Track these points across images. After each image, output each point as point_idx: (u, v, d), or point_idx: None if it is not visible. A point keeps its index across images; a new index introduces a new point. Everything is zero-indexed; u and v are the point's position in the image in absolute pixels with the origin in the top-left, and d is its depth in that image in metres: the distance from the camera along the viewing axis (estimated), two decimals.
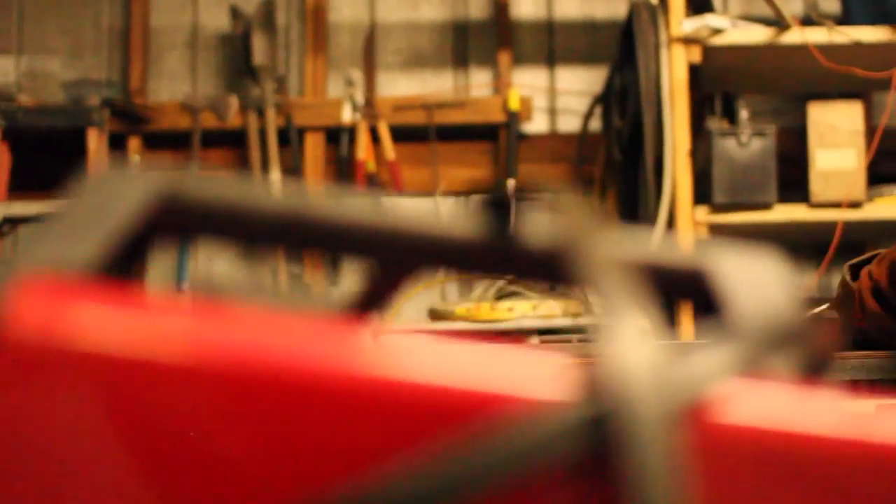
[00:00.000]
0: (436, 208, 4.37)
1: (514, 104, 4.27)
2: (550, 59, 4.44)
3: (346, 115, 4.31)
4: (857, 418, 0.44)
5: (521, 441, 0.38)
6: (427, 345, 0.45)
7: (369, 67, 4.39)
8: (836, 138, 3.46)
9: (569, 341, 2.86)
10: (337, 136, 4.32)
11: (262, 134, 4.28)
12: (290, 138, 4.29)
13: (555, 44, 4.44)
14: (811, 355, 0.53)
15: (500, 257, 0.54)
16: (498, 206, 0.55)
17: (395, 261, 0.57)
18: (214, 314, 0.48)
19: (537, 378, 0.42)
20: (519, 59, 4.45)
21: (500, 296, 3.17)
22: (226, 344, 0.46)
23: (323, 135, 4.36)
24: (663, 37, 3.54)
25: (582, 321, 3.02)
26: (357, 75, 4.33)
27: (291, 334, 0.47)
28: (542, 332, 2.98)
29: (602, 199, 4.05)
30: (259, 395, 0.45)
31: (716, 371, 0.42)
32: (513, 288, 3.17)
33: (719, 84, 3.78)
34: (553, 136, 4.41)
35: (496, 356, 0.43)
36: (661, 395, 0.39)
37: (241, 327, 0.48)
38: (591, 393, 0.40)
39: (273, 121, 4.27)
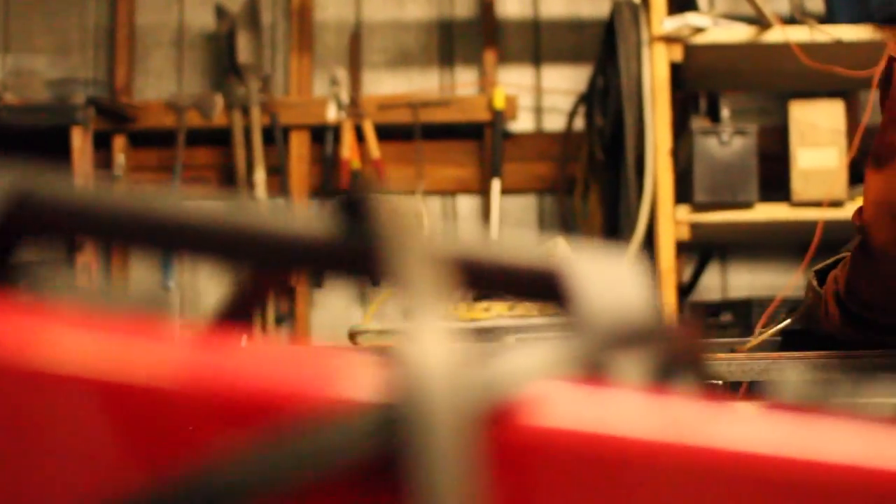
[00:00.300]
0: (420, 207, 4.36)
1: (499, 103, 4.26)
2: (536, 57, 4.43)
3: (331, 114, 4.30)
4: (681, 421, 0.43)
5: (310, 441, 0.37)
6: (245, 347, 0.44)
7: (354, 66, 4.39)
8: (818, 137, 3.45)
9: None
10: (322, 135, 4.31)
11: (248, 133, 4.27)
12: (276, 137, 4.28)
13: (541, 42, 4.43)
14: (666, 358, 0.52)
15: (350, 258, 0.54)
16: (351, 206, 0.54)
17: (249, 264, 0.56)
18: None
19: (339, 378, 0.41)
20: (505, 58, 4.45)
21: (479, 296, 3.16)
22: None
23: (308, 133, 4.35)
24: (645, 35, 3.53)
25: (553, 320, 3.00)
26: (342, 74, 4.32)
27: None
28: (519, 331, 2.96)
29: (585, 198, 4.04)
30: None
31: (527, 372, 0.41)
32: None
33: (703, 83, 3.77)
34: (539, 135, 4.40)
35: (304, 356, 0.42)
36: (457, 396, 0.38)
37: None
38: (386, 394, 0.39)
39: (258, 119, 4.26)
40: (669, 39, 3.44)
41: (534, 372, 0.42)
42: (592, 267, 0.53)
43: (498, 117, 4.26)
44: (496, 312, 2.98)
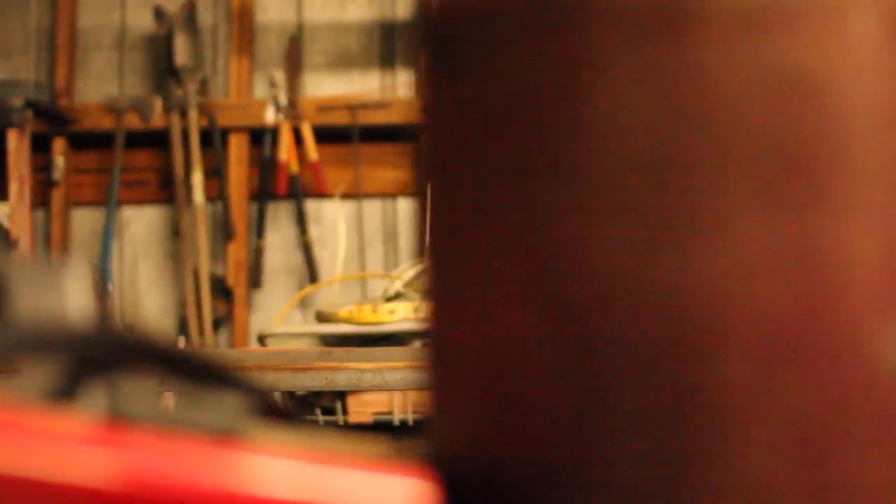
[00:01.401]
0: (359, 210, 4.34)
1: None
2: None
3: (270, 116, 4.27)
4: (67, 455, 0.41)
5: None
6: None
7: (292, 68, 4.36)
8: None
9: None
10: (262, 138, 4.29)
11: (186, 135, 4.25)
12: (214, 139, 4.26)
13: None
14: (79, 365, 0.50)
15: None
16: None
17: None
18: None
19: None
20: None
21: (390, 298, 3.13)
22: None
23: (247, 136, 4.33)
24: None
25: None
26: (280, 76, 4.30)
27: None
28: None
29: None
30: None
31: None
32: (403, 290, 3.14)
33: None
34: None
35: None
36: None
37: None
38: None
39: (195, 121, 4.24)
40: None
41: None
42: (31, 276, 0.51)
43: None
44: (402, 315, 2.96)
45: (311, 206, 4.37)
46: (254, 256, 4.28)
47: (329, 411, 3.03)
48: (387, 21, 4.46)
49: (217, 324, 4.25)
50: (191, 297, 4.20)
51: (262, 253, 4.29)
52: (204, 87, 4.31)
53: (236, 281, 4.25)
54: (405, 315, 2.96)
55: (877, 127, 0.56)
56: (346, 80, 4.43)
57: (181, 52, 4.27)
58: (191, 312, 4.18)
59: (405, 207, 4.37)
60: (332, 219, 4.37)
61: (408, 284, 3.33)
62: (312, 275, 4.19)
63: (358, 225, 4.35)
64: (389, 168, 4.36)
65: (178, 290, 4.30)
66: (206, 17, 4.45)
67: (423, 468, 0.61)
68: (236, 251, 4.29)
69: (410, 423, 2.93)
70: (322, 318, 3.10)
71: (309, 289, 3.65)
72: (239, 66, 4.38)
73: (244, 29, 4.40)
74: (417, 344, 2.95)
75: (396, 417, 2.95)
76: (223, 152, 4.27)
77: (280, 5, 4.46)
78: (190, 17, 4.32)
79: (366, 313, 2.96)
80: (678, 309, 0.55)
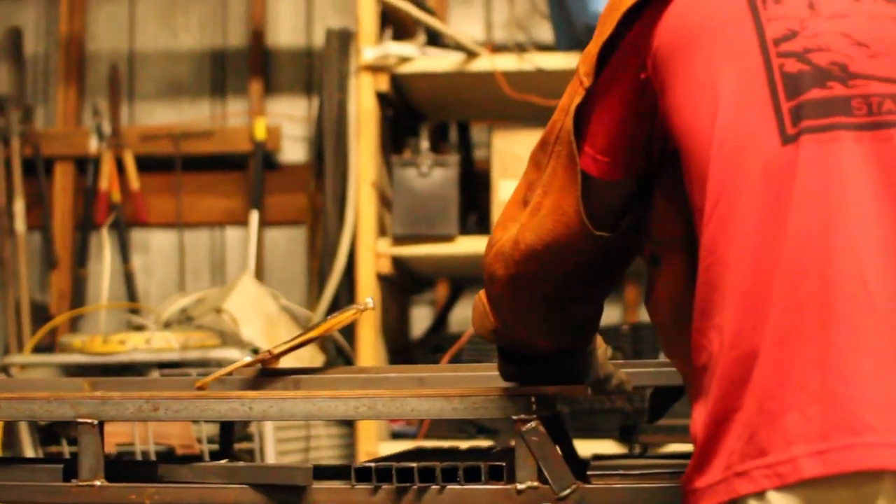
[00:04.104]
0: (180, 239, 4.30)
1: (259, 133, 4.20)
2: (308, 87, 4.36)
3: (93, 146, 4.25)
4: None
5: None
6: None
7: (115, 96, 4.33)
8: (519, 168, 3.37)
9: (188, 375, 2.78)
10: (87, 167, 4.27)
11: (8, 164, 4.22)
12: (37, 168, 4.23)
13: (313, 72, 4.36)
14: None
15: None
16: None
17: None
18: None
19: None
20: (277, 88, 4.39)
21: (138, 327, 3.10)
22: None
23: (72, 165, 4.31)
24: (353, 65, 3.47)
25: (212, 354, 2.94)
26: (104, 105, 4.28)
27: None
28: (165, 365, 2.90)
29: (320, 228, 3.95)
30: None
31: None
32: (140, 321, 3.10)
33: (416, 112, 3.72)
34: (310, 166, 4.33)
35: None
36: None
37: None
38: None
39: (17, 150, 4.21)
40: (376, 69, 3.38)
41: None
42: None
43: (258, 148, 4.20)
44: (132, 345, 2.92)
45: (137, 235, 4.34)
46: (76, 285, 4.25)
47: (73, 441, 2.99)
48: (217, 49, 4.43)
49: (40, 350, 4.21)
50: (12, 327, 4.16)
51: (85, 282, 4.25)
52: (28, 115, 4.28)
53: (59, 309, 4.21)
54: (135, 345, 2.93)
55: None
56: (176, 109, 4.41)
57: (3, 81, 4.25)
58: (12, 342, 4.14)
59: (233, 236, 4.34)
60: (158, 248, 4.34)
61: (184, 312, 3.29)
62: (133, 303, 4.15)
63: (180, 254, 4.31)
64: (217, 197, 4.33)
65: (0, 319, 4.26)
66: (37, 45, 4.44)
67: None
68: (60, 280, 4.25)
69: (152, 454, 2.88)
70: (62, 347, 3.07)
71: (60, 318, 3.60)
72: (66, 94, 4.36)
73: (71, 57, 4.37)
74: (154, 374, 2.91)
75: (139, 448, 2.91)
76: (46, 181, 4.25)
77: (111, 34, 4.44)
78: (14, 45, 4.30)
79: (97, 343, 2.92)
80: None
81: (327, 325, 1.91)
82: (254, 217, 4.15)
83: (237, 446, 2.93)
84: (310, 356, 3.26)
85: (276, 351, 1.92)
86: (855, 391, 1.18)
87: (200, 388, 1.91)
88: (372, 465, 1.60)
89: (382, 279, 3.38)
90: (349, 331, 3.46)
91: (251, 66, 4.36)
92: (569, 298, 1.54)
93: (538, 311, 1.54)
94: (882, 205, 1.22)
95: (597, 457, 1.97)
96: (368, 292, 3.32)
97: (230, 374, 1.94)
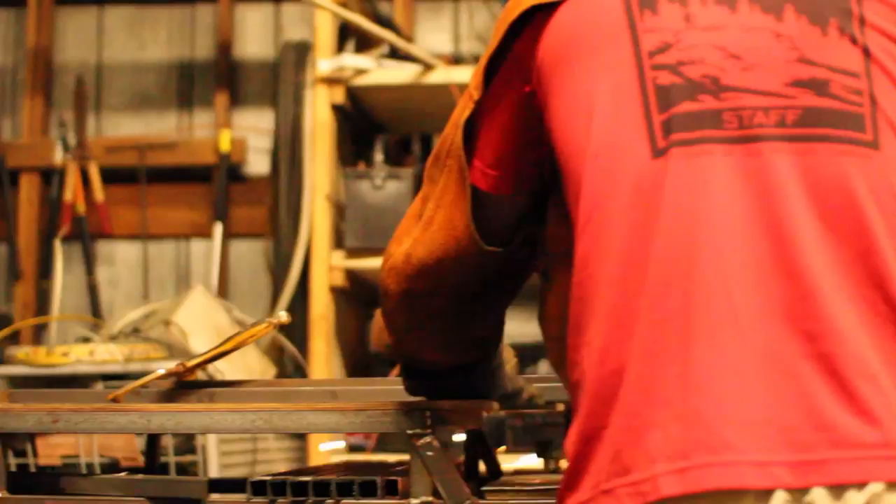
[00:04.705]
0: (145, 251, 4.30)
1: (224, 145, 4.20)
2: (275, 100, 4.35)
3: (58, 157, 4.25)
4: None
5: None
6: None
7: (81, 108, 4.32)
8: None
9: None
10: (52, 178, 4.27)
11: None
12: (2, 180, 4.23)
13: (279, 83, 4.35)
14: None
15: None
16: None
17: None
18: None
19: None
20: (244, 100, 4.38)
21: (85, 340, 3.10)
22: None
23: (38, 176, 4.30)
24: (309, 77, 3.47)
25: (155, 366, 2.92)
26: (70, 116, 4.28)
27: None
28: (108, 377, 2.89)
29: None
30: None
31: None
32: (88, 333, 3.10)
33: (386, 125, 3.72)
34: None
35: None
36: None
37: None
38: None
39: None
40: (332, 81, 3.38)
41: None
42: None
43: (224, 160, 4.19)
44: (76, 357, 2.91)
45: (104, 246, 4.33)
46: (41, 297, 4.24)
47: (20, 453, 2.98)
48: (185, 61, 4.43)
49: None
50: None
51: (50, 293, 4.24)
52: None
53: (24, 320, 4.20)
54: (78, 357, 2.92)
55: None
56: (143, 121, 4.40)
57: None
58: None
59: (198, 248, 4.33)
60: (123, 259, 4.33)
61: (135, 324, 3.29)
62: (97, 315, 4.14)
63: (145, 266, 4.30)
64: (182, 209, 4.32)
65: None
66: (5, 57, 4.44)
67: None
68: (24, 292, 4.25)
69: (97, 466, 2.88)
70: (6, 359, 3.06)
71: (5, 331, 3.59)
72: (32, 106, 4.36)
73: (38, 69, 4.37)
74: (99, 386, 2.90)
75: (83, 461, 2.90)
76: (11, 192, 4.24)
77: (79, 46, 4.44)
78: None
79: (41, 355, 2.92)
80: None
81: (240, 338, 1.90)
82: (218, 229, 4.15)
83: (182, 459, 2.92)
84: (261, 369, 3.25)
85: (190, 364, 1.91)
86: (716, 409, 1.16)
87: (114, 400, 1.90)
88: (268, 478, 1.59)
89: (337, 292, 3.37)
90: (304, 343, 3.45)
91: (218, 78, 4.35)
92: (464, 314, 1.52)
93: (432, 327, 1.53)
94: (751, 219, 1.21)
95: (518, 472, 1.97)
96: (322, 305, 3.32)
97: (145, 386, 1.93)
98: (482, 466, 1.90)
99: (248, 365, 3.20)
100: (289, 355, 3.65)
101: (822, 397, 1.16)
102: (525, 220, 1.46)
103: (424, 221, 1.48)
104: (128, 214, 4.30)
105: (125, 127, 4.39)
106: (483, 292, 1.50)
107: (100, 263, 4.31)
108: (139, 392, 1.94)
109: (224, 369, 3.04)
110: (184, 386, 1.98)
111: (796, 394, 1.16)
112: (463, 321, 1.53)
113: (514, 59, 1.37)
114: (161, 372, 1.93)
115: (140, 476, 1.75)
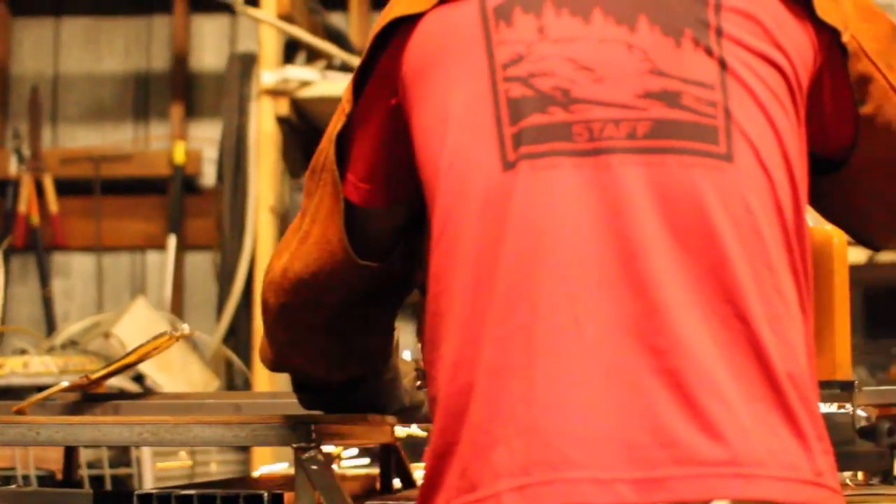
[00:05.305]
0: (99, 263, 4.29)
1: (179, 157, 4.20)
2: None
3: (13, 168, 4.24)
4: None
5: None
6: None
7: (35, 119, 4.32)
8: None
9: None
10: (7, 189, 4.26)
11: None
12: None
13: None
14: None
15: None
16: None
17: None
18: None
19: None
20: (199, 112, 4.38)
21: (23, 351, 3.09)
22: None
23: None
24: (255, 89, 3.47)
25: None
26: (24, 127, 4.28)
27: None
28: (43, 389, 2.87)
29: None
30: None
31: None
32: (23, 346, 3.09)
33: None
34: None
35: None
36: None
37: None
38: None
39: None
40: (276, 93, 3.38)
41: None
42: None
43: (178, 172, 4.19)
44: (9, 369, 2.91)
45: (59, 258, 4.33)
46: None
47: None
48: (142, 73, 4.43)
49: None
50: None
51: (4, 305, 4.23)
52: None
53: None
54: (12, 369, 2.92)
55: None
56: (99, 132, 4.40)
57: None
58: None
59: (154, 260, 4.32)
60: (79, 271, 4.33)
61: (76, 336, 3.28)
62: (51, 327, 4.14)
63: (100, 277, 4.30)
64: (137, 220, 4.31)
65: None
66: None
67: None
68: None
69: (33, 479, 2.87)
70: None
71: None
72: None
73: None
74: (33, 396, 2.89)
75: (20, 473, 2.89)
76: None
77: (35, 57, 4.44)
78: None
79: None
80: None
81: (142, 350, 1.90)
82: (171, 241, 4.15)
83: (116, 472, 2.92)
84: (204, 381, 3.25)
85: (94, 377, 1.91)
86: (558, 424, 1.16)
87: (19, 412, 1.89)
88: (153, 492, 1.59)
89: None
90: (248, 356, 3.45)
91: (173, 89, 4.35)
92: (345, 328, 1.52)
93: (313, 341, 1.53)
94: (598, 233, 1.20)
95: None
96: None
97: (51, 398, 1.92)
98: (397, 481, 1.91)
99: (190, 378, 3.19)
100: (237, 368, 3.64)
101: (667, 413, 1.16)
102: (402, 233, 1.46)
103: (301, 235, 1.47)
104: (83, 226, 4.29)
105: (81, 138, 4.39)
106: (363, 306, 1.50)
107: (55, 275, 4.31)
108: (44, 405, 1.93)
109: (163, 382, 3.04)
110: (92, 399, 1.98)
111: (641, 409, 1.16)
112: (344, 336, 1.52)
113: (381, 71, 1.37)
114: (65, 384, 1.92)
115: (28, 489, 1.75)
